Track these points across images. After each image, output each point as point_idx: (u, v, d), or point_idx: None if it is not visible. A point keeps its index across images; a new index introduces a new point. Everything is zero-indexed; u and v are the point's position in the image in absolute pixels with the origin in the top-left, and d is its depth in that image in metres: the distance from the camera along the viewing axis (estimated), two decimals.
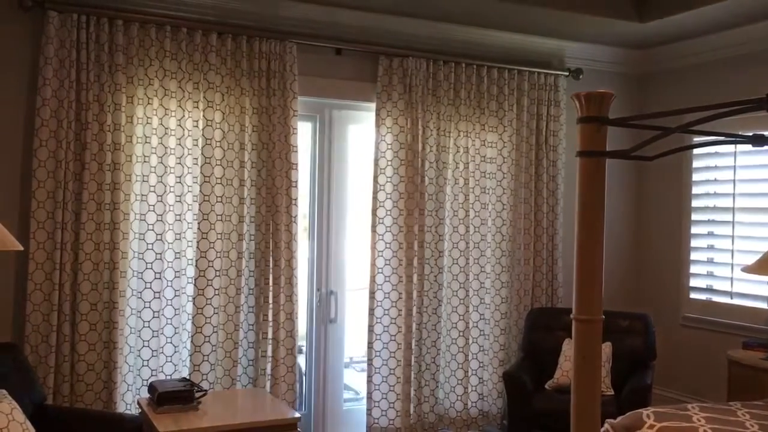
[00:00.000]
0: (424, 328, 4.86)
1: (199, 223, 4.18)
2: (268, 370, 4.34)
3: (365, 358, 4.83)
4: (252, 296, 4.36)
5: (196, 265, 4.17)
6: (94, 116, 3.94)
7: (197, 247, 4.17)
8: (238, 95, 4.28)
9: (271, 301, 4.34)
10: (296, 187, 4.40)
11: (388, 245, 4.77)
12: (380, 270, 4.77)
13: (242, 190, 4.29)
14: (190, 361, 4.17)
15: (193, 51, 4.17)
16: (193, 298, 4.17)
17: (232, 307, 4.25)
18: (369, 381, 4.77)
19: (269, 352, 4.34)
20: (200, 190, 4.18)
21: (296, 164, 4.40)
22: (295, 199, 4.40)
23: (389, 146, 4.75)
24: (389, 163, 4.76)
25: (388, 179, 4.76)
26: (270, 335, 4.34)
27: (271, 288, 4.34)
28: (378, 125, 4.73)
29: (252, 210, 4.34)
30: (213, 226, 4.20)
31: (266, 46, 4.32)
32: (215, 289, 4.21)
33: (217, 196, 4.22)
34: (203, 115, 4.21)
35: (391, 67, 4.72)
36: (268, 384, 4.33)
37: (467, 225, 4.95)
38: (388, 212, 4.77)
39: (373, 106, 4.77)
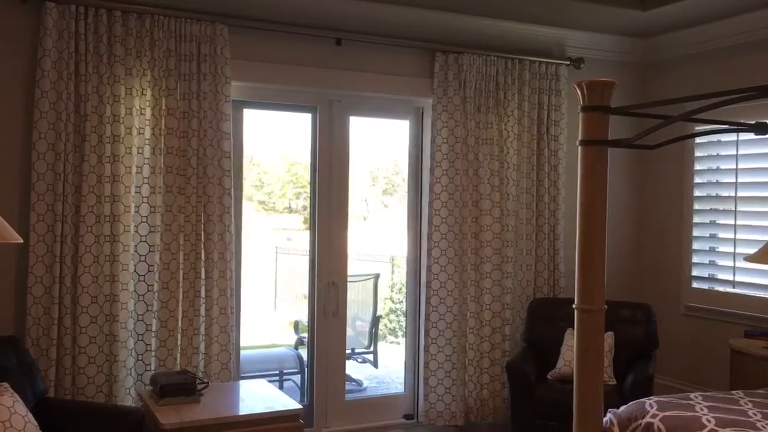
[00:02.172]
0: (474, 317, 4.96)
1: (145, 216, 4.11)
2: (201, 368, 4.18)
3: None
4: (180, 290, 4.15)
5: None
6: (93, 108, 3.91)
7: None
8: (166, 78, 4.09)
9: (203, 295, 4.17)
10: (229, 176, 4.23)
11: (444, 236, 4.86)
12: (436, 260, 4.85)
13: (159, 179, 4.10)
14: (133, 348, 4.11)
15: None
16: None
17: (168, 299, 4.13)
18: (425, 367, 4.86)
19: (202, 349, 4.17)
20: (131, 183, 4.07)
21: (229, 152, 4.23)
22: (228, 189, 4.22)
23: (445, 140, 4.85)
24: (445, 156, 4.85)
25: (444, 172, 4.85)
26: (202, 331, 4.17)
27: (203, 282, 4.17)
28: (434, 120, 4.85)
29: (181, 200, 4.13)
30: (145, 218, 4.09)
31: (196, 27, 4.14)
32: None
33: (150, 187, 4.09)
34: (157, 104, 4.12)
35: (446, 63, 4.84)
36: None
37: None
38: (444, 204, 4.85)
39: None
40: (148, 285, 4.08)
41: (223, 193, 4.21)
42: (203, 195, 4.18)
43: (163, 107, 4.10)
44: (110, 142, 3.95)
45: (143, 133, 4.07)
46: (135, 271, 4.06)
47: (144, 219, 4.08)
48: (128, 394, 4.03)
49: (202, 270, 4.18)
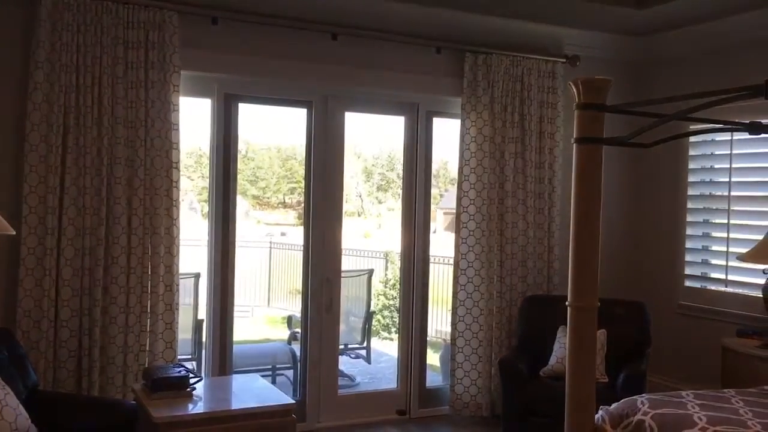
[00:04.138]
0: (500, 312, 5.04)
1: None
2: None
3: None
4: (127, 286, 4.05)
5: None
6: (76, 100, 3.87)
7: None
8: (114, 66, 3.96)
9: (149, 291, 4.07)
10: (177, 168, 4.12)
11: (471, 233, 4.96)
12: (464, 256, 4.95)
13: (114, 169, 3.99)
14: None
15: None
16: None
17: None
18: (452, 359, 5.00)
19: (147, 346, 4.08)
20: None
21: (177, 143, 4.12)
22: (176, 181, 4.10)
23: (473, 139, 4.94)
24: (473, 154, 4.94)
25: (472, 170, 4.93)
26: (148, 327, 4.08)
27: (149, 277, 4.06)
28: (463, 119, 4.95)
29: (129, 192, 4.02)
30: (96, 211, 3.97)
31: (144, 14, 4.01)
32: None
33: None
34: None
35: (475, 63, 4.93)
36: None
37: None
38: (472, 201, 4.95)
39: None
40: (95, 279, 3.95)
41: (171, 185, 4.10)
42: (150, 187, 4.07)
43: (111, 95, 3.98)
44: (91, 133, 3.92)
45: (98, 124, 3.96)
46: (81, 266, 3.93)
47: (95, 211, 3.95)
48: (109, 385, 3.98)
49: (149, 265, 4.08)
